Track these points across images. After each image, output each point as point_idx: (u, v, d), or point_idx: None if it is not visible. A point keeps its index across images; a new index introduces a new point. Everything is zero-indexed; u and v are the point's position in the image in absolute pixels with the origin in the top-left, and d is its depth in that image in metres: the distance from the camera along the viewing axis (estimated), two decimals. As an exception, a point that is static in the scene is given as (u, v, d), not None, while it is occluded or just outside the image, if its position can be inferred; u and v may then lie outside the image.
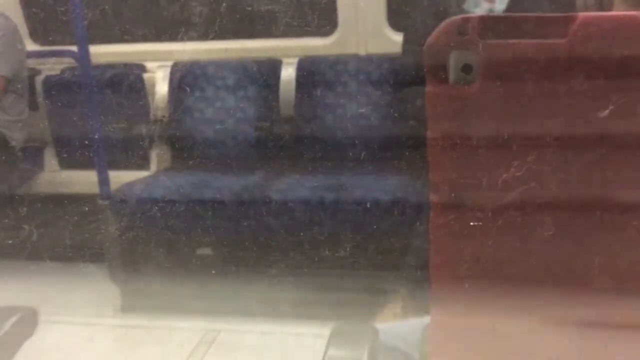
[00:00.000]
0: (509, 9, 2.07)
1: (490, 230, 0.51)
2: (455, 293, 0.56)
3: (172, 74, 2.83)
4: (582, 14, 0.47)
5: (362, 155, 2.59)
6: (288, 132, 2.71)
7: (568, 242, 0.52)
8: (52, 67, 2.96)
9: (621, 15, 0.47)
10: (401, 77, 2.52)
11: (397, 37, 2.67)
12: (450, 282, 0.55)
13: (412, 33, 2.33)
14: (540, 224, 0.51)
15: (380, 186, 2.33)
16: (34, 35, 3.03)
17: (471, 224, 0.51)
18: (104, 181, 2.47)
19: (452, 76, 0.51)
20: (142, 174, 2.68)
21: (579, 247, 0.52)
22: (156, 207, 2.37)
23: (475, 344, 0.58)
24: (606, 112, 0.46)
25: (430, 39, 0.50)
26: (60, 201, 2.74)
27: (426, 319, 0.63)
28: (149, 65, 2.90)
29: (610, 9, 0.88)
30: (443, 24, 0.50)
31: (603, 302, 0.53)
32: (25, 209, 2.67)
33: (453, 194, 0.50)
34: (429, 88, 0.51)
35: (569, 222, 0.51)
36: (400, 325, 1.00)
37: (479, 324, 0.58)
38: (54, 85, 2.87)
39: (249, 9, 2.79)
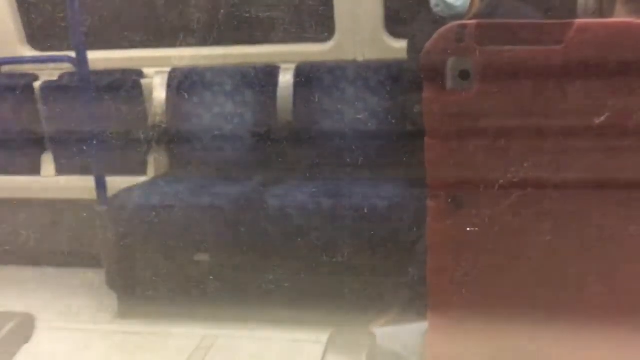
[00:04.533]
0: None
1: (487, 235, 0.51)
2: (452, 298, 0.56)
3: (170, 79, 2.83)
4: (578, 21, 0.47)
5: (360, 161, 2.59)
6: (286, 137, 2.71)
7: (565, 248, 0.52)
8: (50, 73, 2.96)
9: (616, 22, 0.47)
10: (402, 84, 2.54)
11: (395, 44, 2.68)
12: (448, 287, 0.55)
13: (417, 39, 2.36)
14: (537, 229, 0.51)
15: (377, 192, 2.33)
16: (32, 41, 3.03)
17: (468, 229, 0.51)
18: (101, 187, 2.46)
19: (449, 82, 0.51)
20: (140, 179, 2.67)
21: (576, 253, 0.52)
22: (153, 213, 2.36)
23: (473, 348, 0.58)
24: (602, 118, 0.47)
25: (427, 46, 0.51)
26: (58, 207, 2.73)
27: (424, 324, 0.64)
28: (147, 71, 2.90)
29: (611, 14, 0.89)
30: (440, 31, 0.50)
31: (598, 306, 0.53)
32: (22, 215, 2.66)
33: (450, 200, 0.51)
34: (426, 94, 0.51)
35: (566, 228, 0.52)
36: (399, 330, 1.00)
37: (476, 329, 0.58)
38: (51, 91, 2.87)
39: (247, 15, 2.80)
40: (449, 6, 2.15)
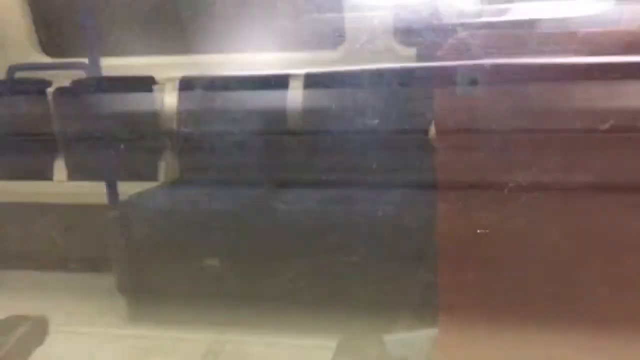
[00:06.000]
0: None
1: (497, 237, 0.52)
2: (463, 302, 0.57)
3: (180, 86, 2.85)
4: (584, 31, 0.48)
5: (370, 167, 2.59)
6: (295, 144, 2.72)
7: (577, 251, 0.53)
8: (63, 79, 2.98)
9: (622, 31, 0.48)
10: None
11: (404, 52, 2.69)
12: (458, 291, 0.56)
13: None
14: (547, 231, 0.52)
15: (387, 199, 2.33)
16: (45, 48, 3.06)
17: (478, 231, 0.52)
18: (112, 192, 2.49)
19: (459, 89, 0.53)
20: (151, 185, 2.69)
21: (585, 255, 0.53)
22: (164, 218, 2.38)
23: (483, 353, 0.58)
24: (607, 125, 0.47)
25: (438, 54, 0.52)
26: (69, 211, 2.75)
27: (433, 331, 0.64)
28: (158, 77, 2.92)
29: None
30: (451, 40, 0.51)
31: (612, 312, 0.53)
32: (34, 219, 2.68)
33: (460, 202, 0.51)
34: (437, 101, 0.52)
35: (577, 230, 0.52)
36: (408, 336, 1.00)
37: (486, 333, 0.59)
38: (64, 97, 2.90)
39: (258, 22, 2.82)
40: (458, 12, 2.14)
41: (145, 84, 2.88)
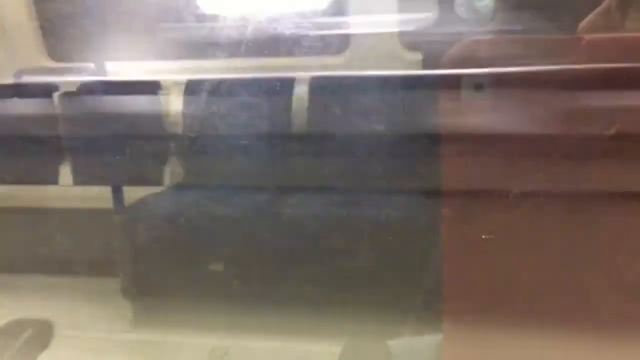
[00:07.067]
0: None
1: (501, 243, 0.52)
2: (468, 307, 0.57)
3: (186, 90, 2.86)
4: (588, 36, 0.48)
5: (375, 172, 2.59)
6: (300, 148, 2.72)
7: (577, 255, 0.53)
8: (69, 83, 3.00)
9: (627, 37, 0.48)
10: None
11: (410, 57, 2.69)
12: (463, 297, 0.56)
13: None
14: (551, 236, 0.52)
15: (392, 203, 2.33)
16: (51, 52, 3.08)
17: (483, 237, 0.52)
18: (118, 196, 2.49)
19: (464, 93, 0.52)
20: (156, 189, 2.70)
21: (587, 259, 0.53)
22: (169, 222, 2.38)
23: (488, 355, 0.58)
24: (612, 130, 0.47)
25: (444, 59, 0.52)
26: (74, 216, 2.76)
27: (439, 336, 0.64)
28: (164, 82, 2.93)
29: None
30: (457, 44, 0.51)
31: (610, 316, 0.53)
32: (40, 224, 2.69)
33: (465, 208, 0.51)
34: (443, 105, 0.52)
35: (580, 237, 0.52)
36: (413, 342, 1.00)
37: (492, 339, 0.59)
38: (70, 101, 2.91)
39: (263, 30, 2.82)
40: (474, 9, 2.11)
41: (151, 88, 2.89)
